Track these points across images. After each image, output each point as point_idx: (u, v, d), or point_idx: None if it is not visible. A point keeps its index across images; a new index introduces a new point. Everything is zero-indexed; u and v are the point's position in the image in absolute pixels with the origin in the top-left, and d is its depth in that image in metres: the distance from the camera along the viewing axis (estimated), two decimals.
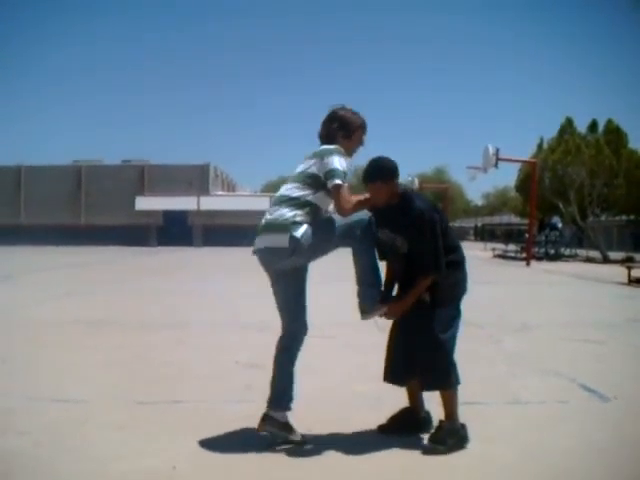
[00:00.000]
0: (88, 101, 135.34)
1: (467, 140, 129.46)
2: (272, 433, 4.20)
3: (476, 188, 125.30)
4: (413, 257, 4.20)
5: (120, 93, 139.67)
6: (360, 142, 4.47)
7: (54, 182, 48.77)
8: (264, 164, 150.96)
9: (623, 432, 4.64)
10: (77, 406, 5.12)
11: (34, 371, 6.36)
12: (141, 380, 6.03)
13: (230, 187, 60.50)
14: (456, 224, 79.78)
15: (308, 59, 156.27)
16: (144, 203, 47.85)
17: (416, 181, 47.59)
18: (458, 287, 4.30)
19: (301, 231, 4.00)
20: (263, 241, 4.16)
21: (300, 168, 4.26)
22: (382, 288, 4.38)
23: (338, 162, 4.08)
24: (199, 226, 47.75)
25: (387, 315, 4.35)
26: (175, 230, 46.80)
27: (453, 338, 4.21)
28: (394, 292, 4.47)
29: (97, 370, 6.41)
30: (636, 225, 40.05)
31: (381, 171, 4.15)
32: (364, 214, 4.27)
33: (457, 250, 4.34)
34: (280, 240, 4.02)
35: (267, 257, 4.21)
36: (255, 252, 4.25)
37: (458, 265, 4.31)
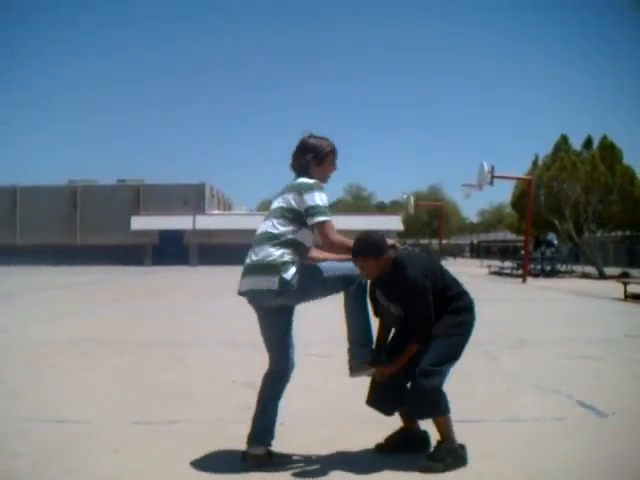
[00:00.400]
0: (83, 121, 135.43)
1: (462, 158, 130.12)
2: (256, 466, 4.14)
3: (471, 205, 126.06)
4: (407, 321, 4.20)
5: (115, 113, 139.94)
6: (333, 167, 4.45)
7: (50, 202, 48.79)
8: (259, 183, 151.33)
9: (621, 448, 4.63)
10: (74, 427, 5.10)
11: (31, 392, 6.33)
12: (137, 400, 6.01)
13: (226, 206, 60.58)
14: (452, 241, 79.88)
15: (303, 75, 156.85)
16: (140, 223, 47.82)
17: (411, 199, 47.78)
18: (460, 328, 4.24)
19: (291, 272, 3.99)
20: (250, 283, 4.13)
21: (279, 202, 4.21)
22: (372, 347, 4.36)
23: (319, 198, 4.06)
24: (195, 245, 47.69)
25: (376, 376, 4.34)
26: (171, 249, 46.73)
27: (444, 373, 4.16)
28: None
29: (94, 390, 6.39)
30: (632, 241, 40.15)
31: (371, 248, 4.10)
32: (352, 268, 4.24)
33: (462, 296, 4.33)
34: (269, 282, 4.00)
35: (255, 298, 4.19)
36: (242, 294, 4.23)
37: (464, 310, 4.29)
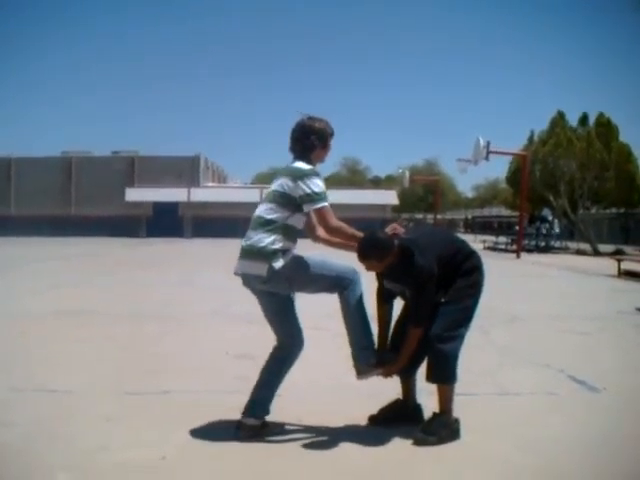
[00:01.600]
0: (77, 94, 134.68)
1: (458, 132, 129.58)
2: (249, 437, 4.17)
3: (467, 180, 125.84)
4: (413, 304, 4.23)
5: (110, 86, 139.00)
6: (330, 148, 4.45)
7: (44, 173, 48.48)
8: (255, 155, 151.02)
9: (612, 423, 4.66)
10: (65, 397, 5.11)
11: (21, 363, 6.34)
12: (130, 371, 6.02)
13: (221, 178, 60.33)
14: (446, 216, 79.87)
15: (299, 54, 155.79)
16: (134, 194, 47.58)
17: (407, 174, 47.63)
18: (474, 289, 4.26)
19: (280, 262, 4.02)
20: (242, 266, 4.18)
21: (274, 186, 4.23)
22: (375, 347, 4.36)
23: (315, 184, 4.06)
24: (189, 217, 47.52)
25: (384, 375, 4.35)
26: (165, 221, 46.52)
27: (460, 337, 4.18)
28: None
29: (85, 361, 6.39)
30: (626, 218, 40.20)
31: (376, 249, 4.10)
32: (353, 270, 4.28)
33: (471, 256, 4.34)
34: (258, 268, 4.05)
35: (246, 281, 4.23)
36: (236, 274, 4.26)
37: (475, 269, 4.30)
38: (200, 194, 48.07)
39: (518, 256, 24.84)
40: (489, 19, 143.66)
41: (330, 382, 5.57)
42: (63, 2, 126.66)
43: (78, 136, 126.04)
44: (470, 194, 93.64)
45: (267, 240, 4.05)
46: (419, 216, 75.18)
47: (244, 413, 4.20)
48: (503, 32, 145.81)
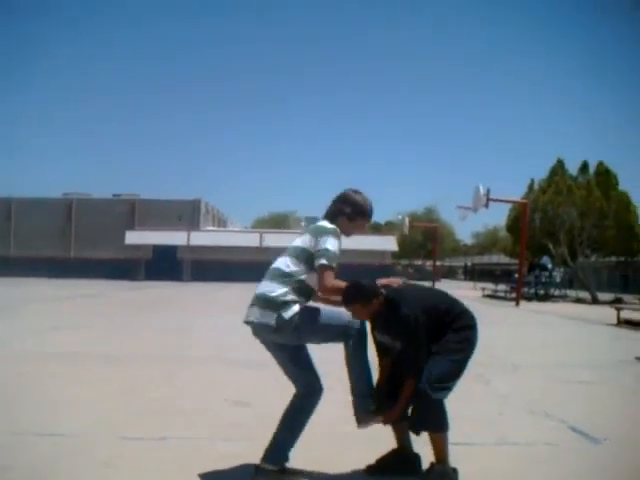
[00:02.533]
0: (79, 135, 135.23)
1: (458, 180, 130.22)
2: None
3: (466, 227, 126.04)
4: (403, 357, 4.21)
5: (112, 129, 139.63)
6: (361, 228, 4.54)
7: (44, 215, 48.77)
8: (255, 200, 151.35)
9: (613, 475, 4.61)
10: (63, 441, 5.07)
11: (20, 405, 6.29)
12: (128, 415, 5.97)
13: (221, 222, 60.57)
14: (445, 263, 79.90)
15: (299, 95, 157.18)
16: (134, 237, 47.76)
17: (406, 220, 47.85)
18: (464, 345, 4.20)
19: (290, 312, 4.05)
20: (252, 313, 4.20)
21: (297, 242, 4.31)
22: (374, 396, 4.35)
23: (331, 243, 4.13)
24: (188, 261, 47.61)
25: (383, 422, 4.33)
26: (164, 264, 46.61)
27: (448, 389, 4.12)
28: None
29: (84, 404, 6.35)
30: (626, 266, 40.23)
31: (360, 294, 4.14)
32: (360, 320, 4.29)
33: (463, 315, 4.30)
34: (267, 317, 4.07)
35: (256, 330, 4.24)
36: (246, 322, 4.27)
37: (466, 327, 4.26)
38: (199, 238, 48.25)
39: (517, 304, 24.80)
40: (487, 67, 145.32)
41: (328, 430, 5.52)
42: (61, 31, 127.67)
43: (79, 179, 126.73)
44: (469, 241, 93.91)
45: (279, 291, 4.10)
46: (418, 262, 75.21)
47: (263, 459, 4.18)
48: (502, 81, 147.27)
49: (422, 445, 4.33)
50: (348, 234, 4.44)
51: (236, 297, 25.72)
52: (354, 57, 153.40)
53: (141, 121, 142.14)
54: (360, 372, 4.29)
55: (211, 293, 29.28)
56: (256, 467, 4.19)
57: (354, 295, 4.12)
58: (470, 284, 48.69)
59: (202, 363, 9.01)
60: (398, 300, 4.15)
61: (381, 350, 4.45)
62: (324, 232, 4.18)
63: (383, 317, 4.21)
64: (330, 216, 4.39)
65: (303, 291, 4.17)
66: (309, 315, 4.15)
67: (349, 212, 4.38)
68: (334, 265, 4.11)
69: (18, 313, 16.86)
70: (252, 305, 4.22)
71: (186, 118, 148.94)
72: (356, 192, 4.48)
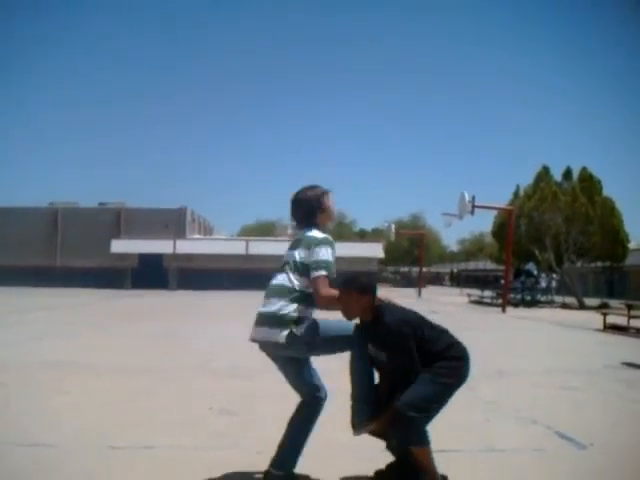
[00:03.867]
0: (65, 144, 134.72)
1: (443, 187, 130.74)
2: None
3: (452, 234, 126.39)
4: (393, 370, 4.18)
5: (97, 137, 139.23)
6: (333, 207, 4.58)
7: (30, 224, 48.56)
8: (241, 208, 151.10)
9: (599, 479, 4.61)
10: (46, 451, 5.01)
11: (5, 414, 6.24)
12: (114, 425, 5.92)
13: (207, 231, 60.50)
14: (432, 269, 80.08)
15: (287, 112, 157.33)
16: (120, 246, 47.65)
17: (393, 227, 47.91)
18: (453, 372, 4.14)
19: (300, 328, 4.09)
20: (261, 332, 4.21)
21: (293, 256, 4.32)
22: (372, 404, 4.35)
23: (323, 253, 4.18)
24: (174, 269, 47.52)
25: (373, 432, 4.30)
26: (150, 273, 46.50)
27: (432, 410, 4.05)
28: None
29: (70, 414, 6.30)
30: (611, 272, 40.47)
31: (359, 283, 4.16)
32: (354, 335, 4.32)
33: (454, 347, 4.23)
34: (278, 335, 4.09)
35: (265, 348, 4.27)
36: (253, 340, 4.29)
37: (457, 358, 4.19)
38: (185, 246, 48.19)
39: (504, 310, 24.86)
40: (476, 73, 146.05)
41: (318, 438, 5.49)
42: (49, 41, 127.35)
43: (65, 188, 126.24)
44: (455, 248, 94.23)
45: (288, 308, 4.13)
46: (404, 269, 75.35)
47: (272, 465, 4.21)
48: (490, 87, 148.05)
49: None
50: (331, 219, 4.56)
51: (222, 305, 25.77)
52: (340, 62, 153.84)
53: (126, 130, 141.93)
54: (362, 379, 4.31)
55: (197, 302, 29.20)
56: (265, 473, 4.22)
57: (350, 281, 4.13)
58: (456, 290, 48.83)
59: (188, 372, 8.94)
60: (384, 311, 4.14)
61: (372, 362, 4.43)
62: (316, 243, 4.21)
63: (371, 326, 4.19)
64: (309, 223, 4.42)
65: (309, 302, 4.20)
66: (319, 328, 4.20)
67: (317, 206, 4.44)
68: (329, 274, 4.14)
69: (2, 323, 16.72)
70: (259, 324, 4.24)
71: (172, 126, 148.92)
72: (303, 190, 4.54)
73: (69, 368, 9.07)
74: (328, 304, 4.20)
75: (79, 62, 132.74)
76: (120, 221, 49.87)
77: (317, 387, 4.35)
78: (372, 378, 4.34)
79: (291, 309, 4.12)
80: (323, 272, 4.11)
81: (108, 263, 47.31)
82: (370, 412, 4.27)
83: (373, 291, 4.18)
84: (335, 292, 4.14)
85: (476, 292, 35.05)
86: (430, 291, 50.03)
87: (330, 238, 4.30)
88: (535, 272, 31.65)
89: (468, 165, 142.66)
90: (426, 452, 4.10)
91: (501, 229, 32.30)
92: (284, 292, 4.19)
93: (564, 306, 28.92)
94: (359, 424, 4.27)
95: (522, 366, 10.12)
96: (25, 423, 5.92)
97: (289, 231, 74.07)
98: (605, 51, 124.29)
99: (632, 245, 35.24)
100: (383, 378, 4.42)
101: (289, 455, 4.23)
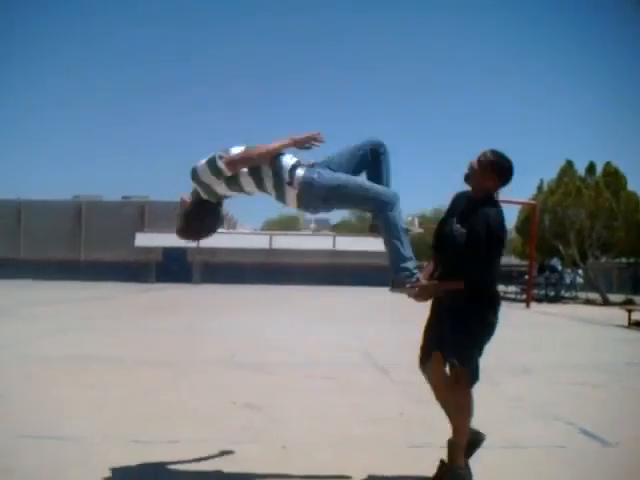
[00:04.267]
0: (89, 137, 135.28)
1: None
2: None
3: None
4: (463, 255, 4.05)
5: (122, 130, 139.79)
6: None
7: (54, 217, 48.74)
8: (265, 202, 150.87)
9: (624, 478, 4.58)
10: (72, 444, 5.06)
11: (28, 408, 6.30)
12: (138, 419, 5.97)
13: (231, 224, 60.50)
14: None
15: (295, 97, 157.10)
16: (144, 239, 47.77)
17: (416, 221, 47.64)
18: (484, 326, 4.13)
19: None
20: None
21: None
22: (415, 264, 4.21)
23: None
24: (199, 263, 47.60)
25: (417, 296, 4.14)
26: (174, 267, 46.62)
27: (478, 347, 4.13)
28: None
29: (93, 408, 6.35)
30: (636, 267, 40.05)
31: (502, 167, 4.11)
32: (393, 193, 4.27)
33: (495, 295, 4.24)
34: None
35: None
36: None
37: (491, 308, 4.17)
38: (209, 240, 47.85)
39: (528, 305, 24.71)
40: (495, 69, 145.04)
41: (337, 433, 5.51)
42: (69, 33, 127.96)
43: (89, 181, 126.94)
44: None
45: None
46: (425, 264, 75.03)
47: (393, 272, 4.14)
48: (511, 82, 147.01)
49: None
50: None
51: (243, 299, 25.83)
52: (345, 58, 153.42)
53: (151, 123, 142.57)
54: (397, 242, 4.21)
55: (221, 295, 29.29)
56: (391, 281, 4.13)
57: (501, 156, 4.14)
58: None
59: (212, 366, 8.99)
60: (496, 202, 4.16)
61: (438, 244, 4.46)
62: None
63: (472, 204, 4.14)
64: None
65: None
66: (338, 180, 4.22)
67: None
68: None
69: (26, 316, 16.86)
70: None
71: (195, 119, 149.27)
72: None
73: (93, 361, 9.15)
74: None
75: (104, 54, 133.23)
76: (144, 214, 50.00)
77: (377, 190, 4.25)
78: (409, 242, 4.27)
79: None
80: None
81: (132, 257, 47.43)
82: (416, 271, 4.13)
83: (503, 182, 4.14)
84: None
85: (500, 287, 34.80)
86: None
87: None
88: (559, 267, 31.39)
89: None
90: (465, 424, 4.18)
91: (525, 224, 31.99)
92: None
93: (588, 302, 28.67)
94: (399, 282, 4.11)
95: (546, 362, 10.06)
96: (49, 417, 5.98)
97: (312, 225, 74.02)
98: (621, 42, 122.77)
99: None
100: (438, 262, 4.39)
101: (402, 259, 4.13)
